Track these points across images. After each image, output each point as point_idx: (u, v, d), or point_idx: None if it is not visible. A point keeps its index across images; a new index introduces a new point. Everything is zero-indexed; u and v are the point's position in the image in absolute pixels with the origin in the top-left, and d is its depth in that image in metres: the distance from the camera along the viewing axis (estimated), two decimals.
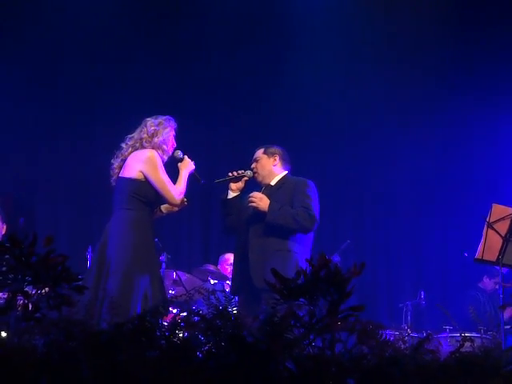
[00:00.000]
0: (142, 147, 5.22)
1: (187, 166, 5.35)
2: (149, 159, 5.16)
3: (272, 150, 5.73)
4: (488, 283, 8.26)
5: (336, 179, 9.15)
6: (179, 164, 5.40)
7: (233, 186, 5.66)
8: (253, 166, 5.71)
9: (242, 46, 8.98)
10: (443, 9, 8.93)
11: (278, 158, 5.69)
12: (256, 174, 5.67)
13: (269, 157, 5.68)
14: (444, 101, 9.17)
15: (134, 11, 8.87)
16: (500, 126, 9.07)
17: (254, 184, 5.75)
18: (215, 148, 9.38)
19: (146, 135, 5.26)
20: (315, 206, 5.43)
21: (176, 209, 5.47)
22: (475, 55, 9.02)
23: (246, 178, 5.65)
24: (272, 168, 5.67)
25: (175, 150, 5.40)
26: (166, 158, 5.31)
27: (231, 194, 5.68)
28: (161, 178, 5.16)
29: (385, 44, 8.99)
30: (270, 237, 5.33)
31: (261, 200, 5.36)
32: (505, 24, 8.81)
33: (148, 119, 5.35)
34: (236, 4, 8.90)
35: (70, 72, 8.74)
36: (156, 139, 5.25)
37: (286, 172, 5.70)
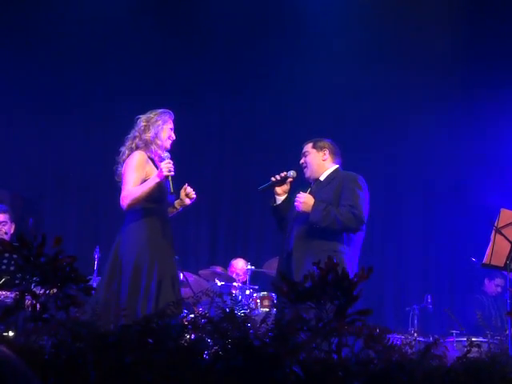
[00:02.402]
0: (137, 147, 5.13)
1: (158, 173, 4.94)
2: (129, 161, 5.07)
3: (321, 143, 5.48)
4: (489, 286, 8.25)
5: None
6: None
7: (278, 190, 5.45)
8: (301, 161, 5.48)
9: (248, 43, 9.04)
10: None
11: (327, 152, 5.45)
12: (305, 169, 5.45)
13: (318, 151, 5.45)
14: (451, 102, 9.17)
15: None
16: (509, 128, 9.04)
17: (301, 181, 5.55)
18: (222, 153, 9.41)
19: (138, 133, 5.17)
20: (363, 205, 5.18)
21: (187, 202, 5.26)
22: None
23: (290, 180, 5.44)
24: (321, 163, 5.43)
25: (167, 150, 5.19)
26: (160, 152, 5.14)
27: (279, 199, 5.47)
28: (126, 175, 5.01)
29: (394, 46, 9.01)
30: (315, 237, 5.11)
31: (304, 202, 5.14)
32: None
33: (139, 116, 5.24)
34: (243, 3, 8.95)
35: (82, 74, 8.78)
36: (147, 135, 5.12)
37: (337, 166, 5.46)
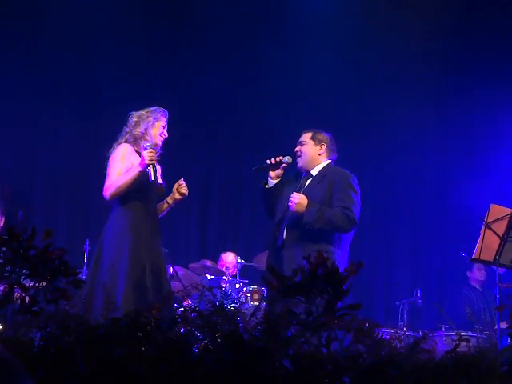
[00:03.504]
0: (126, 141, 5.16)
1: (140, 162, 4.97)
2: (113, 153, 5.11)
3: (320, 136, 5.46)
4: (474, 274, 8.28)
5: None
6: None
7: (271, 173, 5.42)
8: (297, 148, 5.46)
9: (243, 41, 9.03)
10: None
11: (324, 146, 5.44)
12: (298, 158, 5.42)
13: (316, 144, 5.43)
14: (444, 100, 9.19)
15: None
16: (501, 125, 9.06)
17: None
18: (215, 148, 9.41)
19: (128, 129, 5.20)
20: (356, 207, 5.19)
21: (177, 197, 5.26)
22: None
23: (284, 165, 5.39)
24: (316, 156, 5.42)
25: (158, 147, 5.20)
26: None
27: (271, 182, 5.44)
28: (110, 166, 5.06)
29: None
30: (306, 237, 5.10)
31: (298, 202, 5.11)
32: None
33: (132, 112, 5.26)
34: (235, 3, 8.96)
35: (73, 68, 8.76)
36: (137, 130, 5.15)
37: (329, 161, 5.46)
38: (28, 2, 8.50)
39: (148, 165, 4.93)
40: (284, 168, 5.42)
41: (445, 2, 9.00)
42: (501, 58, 8.96)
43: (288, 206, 5.19)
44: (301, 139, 5.49)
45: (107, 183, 5.03)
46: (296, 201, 5.12)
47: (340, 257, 5.10)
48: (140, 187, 5.02)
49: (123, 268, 4.87)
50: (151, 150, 4.98)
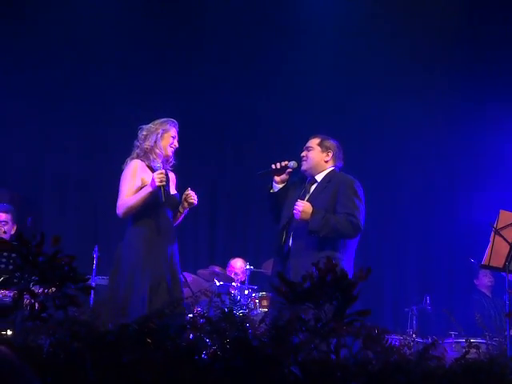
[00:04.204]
0: (137, 156, 5.27)
1: (150, 183, 5.08)
2: (124, 170, 5.22)
3: (328, 143, 5.45)
4: (480, 281, 8.25)
5: None
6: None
7: (277, 178, 5.42)
8: (303, 153, 5.44)
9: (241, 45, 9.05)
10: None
11: (331, 154, 5.43)
12: (303, 162, 5.41)
13: (323, 150, 5.42)
14: (450, 108, 9.17)
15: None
16: (507, 131, 9.04)
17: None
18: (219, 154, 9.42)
19: (138, 143, 5.30)
20: (360, 212, 5.19)
21: (185, 206, 5.35)
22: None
23: (289, 170, 5.40)
24: (322, 163, 5.41)
25: (167, 158, 5.32)
26: (159, 160, 5.25)
27: (277, 187, 5.45)
28: (121, 184, 5.17)
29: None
30: (312, 243, 5.11)
31: (303, 210, 5.10)
32: None
33: (142, 126, 5.35)
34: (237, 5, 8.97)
35: (81, 75, 8.77)
36: (146, 143, 5.24)
37: (334, 168, 5.44)
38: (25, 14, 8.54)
39: (158, 186, 5.03)
40: (289, 173, 5.43)
41: (451, 7, 9.00)
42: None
43: (293, 214, 5.19)
44: (308, 144, 5.48)
45: (119, 202, 5.14)
46: (301, 209, 5.12)
47: (346, 263, 5.08)
48: (152, 204, 5.12)
49: (137, 285, 4.96)
50: (161, 171, 5.08)
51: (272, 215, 5.57)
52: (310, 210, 5.12)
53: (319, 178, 5.41)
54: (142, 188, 5.11)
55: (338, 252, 5.11)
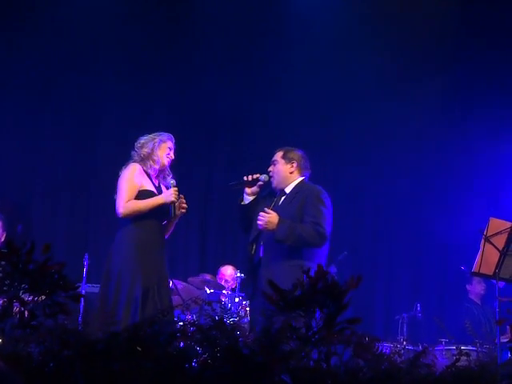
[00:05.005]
0: (133, 161, 5.36)
1: (165, 196, 5.28)
2: (124, 171, 5.31)
3: (291, 154, 5.51)
4: (474, 288, 8.25)
5: (334, 190, 9.09)
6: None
7: (248, 189, 5.48)
8: (270, 168, 5.52)
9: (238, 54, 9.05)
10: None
11: (295, 164, 5.48)
12: (272, 179, 5.49)
13: (286, 162, 5.48)
14: (443, 117, 9.19)
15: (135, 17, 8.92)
16: (501, 139, 9.07)
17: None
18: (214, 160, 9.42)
19: (135, 151, 5.41)
20: (326, 222, 5.25)
21: (179, 213, 5.39)
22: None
23: (260, 183, 5.45)
24: (288, 175, 5.47)
25: (171, 178, 5.42)
26: (157, 167, 5.37)
27: (247, 199, 5.50)
28: (121, 185, 5.26)
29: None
30: (281, 253, 5.19)
31: (269, 221, 5.19)
32: None
33: (140, 137, 5.46)
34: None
35: (74, 81, 8.75)
36: (144, 150, 5.35)
37: (303, 178, 5.51)
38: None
39: (171, 202, 5.21)
40: (260, 186, 5.49)
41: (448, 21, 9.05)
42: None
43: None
44: (273, 158, 5.57)
45: (122, 202, 5.21)
46: (265, 219, 5.20)
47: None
48: (154, 214, 5.25)
49: (127, 292, 5.02)
50: (176, 188, 5.26)
51: (241, 226, 5.65)
52: (276, 220, 5.20)
53: (288, 189, 5.49)
54: (140, 191, 5.23)
55: (307, 261, 5.15)
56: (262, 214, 5.23)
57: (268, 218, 5.20)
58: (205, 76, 9.02)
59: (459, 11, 9.09)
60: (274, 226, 5.18)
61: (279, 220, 5.20)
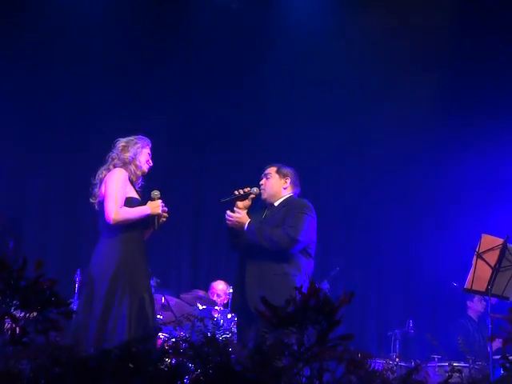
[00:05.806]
0: (114, 167, 5.21)
1: (152, 208, 5.18)
2: (111, 175, 5.15)
3: (285, 171, 5.60)
4: (475, 305, 8.23)
5: (325, 205, 9.11)
6: (149, 201, 5.25)
7: (239, 204, 5.44)
8: (262, 181, 5.57)
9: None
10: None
11: (289, 181, 5.57)
12: (262, 191, 5.52)
13: (280, 178, 5.56)
14: (436, 126, 9.22)
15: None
16: (492, 153, 9.09)
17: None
18: (206, 172, 9.40)
19: (116, 154, 5.26)
20: (303, 228, 5.28)
21: (161, 223, 5.33)
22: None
23: (252, 196, 5.47)
24: (280, 190, 5.55)
25: (154, 189, 5.30)
26: (139, 173, 5.28)
27: (239, 213, 5.47)
28: (110, 190, 5.08)
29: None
30: (265, 261, 5.25)
31: (238, 221, 5.33)
32: None
33: (119, 139, 5.34)
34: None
35: (68, 94, 8.75)
36: (126, 155, 5.22)
37: (292, 194, 5.59)
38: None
39: (156, 214, 5.17)
40: (252, 199, 5.51)
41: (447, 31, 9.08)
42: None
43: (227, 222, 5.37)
44: (266, 172, 5.62)
45: (113, 207, 5.04)
46: (233, 219, 5.32)
47: (300, 280, 5.20)
48: (139, 225, 5.19)
49: (118, 300, 4.91)
50: (161, 200, 5.22)
51: (231, 243, 5.65)
52: (246, 220, 5.32)
53: (277, 203, 5.55)
54: (127, 199, 5.11)
55: (291, 269, 5.25)
56: (229, 213, 5.34)
57: (236, 217, 5.32)
58: (195, 89, 9.04)
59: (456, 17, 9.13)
60: (243, 226, 5.30)
61: (249, 222, 5.32)
